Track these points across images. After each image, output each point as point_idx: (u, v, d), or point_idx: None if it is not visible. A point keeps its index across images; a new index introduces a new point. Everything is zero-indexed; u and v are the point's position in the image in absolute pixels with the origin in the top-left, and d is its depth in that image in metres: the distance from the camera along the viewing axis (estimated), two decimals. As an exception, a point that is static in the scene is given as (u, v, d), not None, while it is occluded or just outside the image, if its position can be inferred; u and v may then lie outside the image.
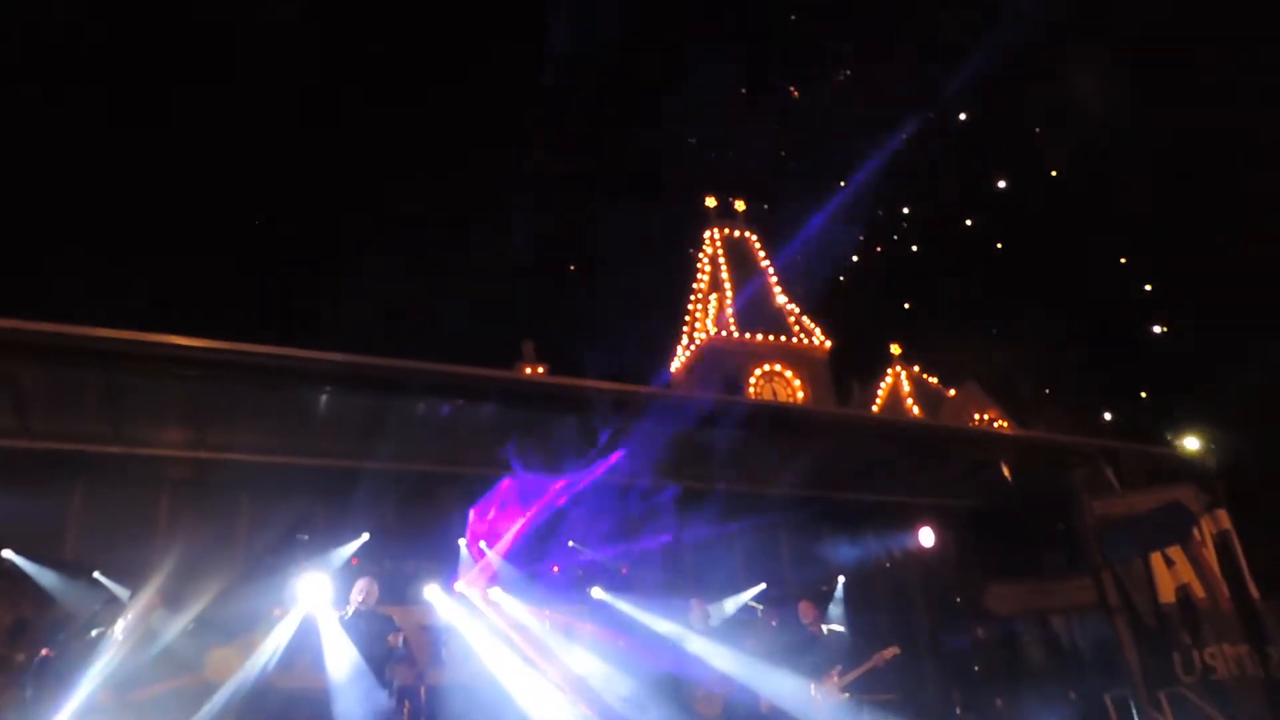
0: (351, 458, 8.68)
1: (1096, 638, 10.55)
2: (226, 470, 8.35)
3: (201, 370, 6.91)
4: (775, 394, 28.18)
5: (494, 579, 9.56)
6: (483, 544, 9.46)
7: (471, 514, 9.32)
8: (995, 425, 27.27)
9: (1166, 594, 8.70)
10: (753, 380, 28.32)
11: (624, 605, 9.66)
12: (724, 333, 28.87)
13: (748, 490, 10.62)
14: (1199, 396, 20.86)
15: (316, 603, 7.42)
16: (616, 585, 10.02)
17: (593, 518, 9.84)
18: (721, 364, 28.41)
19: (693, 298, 30.82)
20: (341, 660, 6.90)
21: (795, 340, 29.59)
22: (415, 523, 9.64)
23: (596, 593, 9.94)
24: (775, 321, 29.74)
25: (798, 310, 30.39)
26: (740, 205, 31.90)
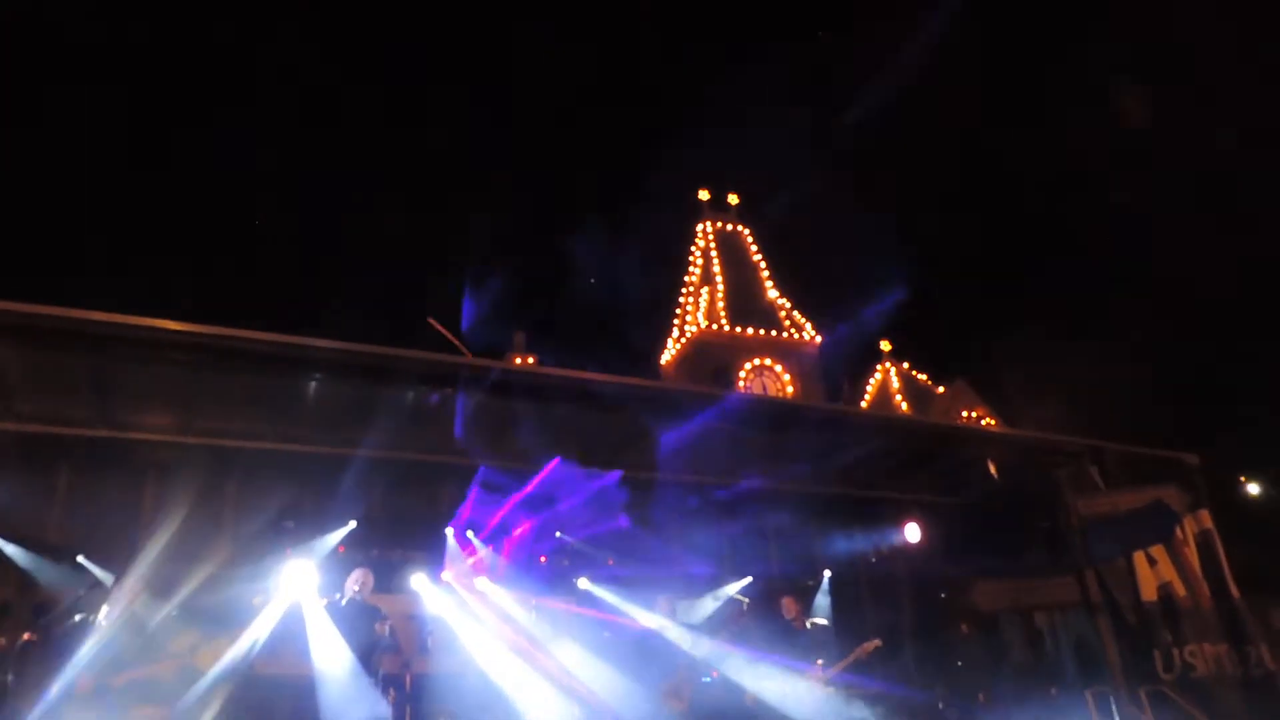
0: (340, 445, 8.67)
1: (1078, 634, 10.64)
2: (213, 456, 8.31)
3: (190, 355, 6.89)
4: (765, 388, 28.23)
5: (481, 568, 9.56)
6: (470, 534, 9.45)
7: (460, 503, 9.31)
8: (983, 423, 27.39)
9: (1148, 592, 8.79)
10: (743, 374, 28.34)
11: (609, 596, 9.68)
12: (715, 326, 28.89)
13: (735, 484, 10.66)
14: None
15: (302, 590, 7.40)
16: (602, 576, 10.05)
17: (580, 509, 9.85)
18: (712, 357, 28.45)
19: (684, 290, 30.81)
20: (327, 648, 6.89)
21: (786, 335, 29.63)
22: (403, 511, 9.63)
23: (583, 583, 9.96)
24: (766, 316, 29.76)
25: (789, 305, 30.41)
26: (733, 199, 31.87)
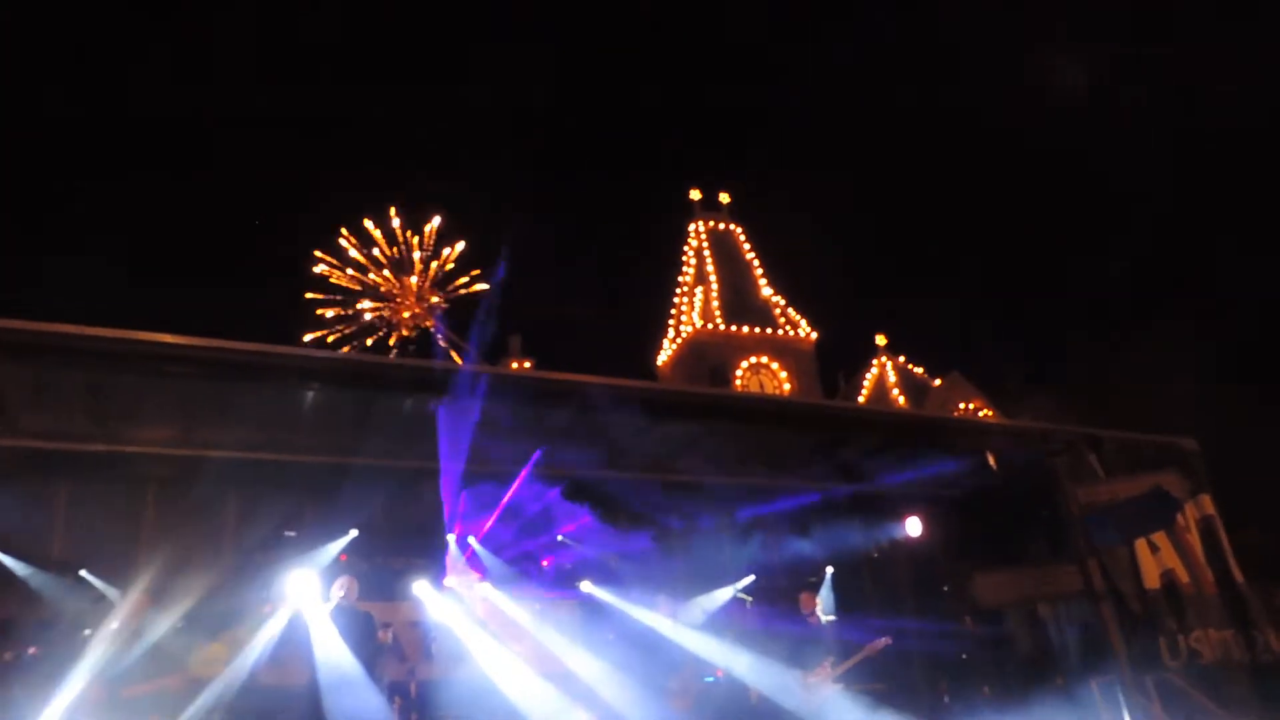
0: (338, 454, 8.66)
1: (1082, 624, 10.65)
2: (213, 467, 8.30)
3: (187, 367, 6.87)
4: (762, 386, 28.29)
5: (483, 574, 9.56)
6: (471, 539, 9.45)
7: (460, 510, 9.31)
8: (980, 414, 27.46)
9: (1151, 580, 8.80)
10: (739, 372, 28.40)
11: (612, 598, 9.68)
12: (710, 325, 28.91)
13: (736, 483, 10.67)
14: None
15: (305, 600, 7.39)
16: (605, 579, 10.04)
17: (581, 512, 9.86)
18: (707, 357, 28.48)
19: (678, 291, 30.83)
20: (331, 657, 6.88)
21: (781, 332, 29.66)
22: (403, 519, 9.62)
23: (585, 586, 9.96)
24: (761, 314, 29.81)
25: (783, 302, 30.45)
26: (725, 198, 31.90)
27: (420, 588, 8.95)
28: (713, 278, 29.64)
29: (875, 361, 30.75)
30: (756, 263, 30.76)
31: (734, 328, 28.78)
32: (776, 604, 10.20)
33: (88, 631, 6.48)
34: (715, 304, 29.11)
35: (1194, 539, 8.91)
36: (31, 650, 6.63)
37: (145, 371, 6.81)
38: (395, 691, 7.49)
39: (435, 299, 26.19)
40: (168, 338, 6.54)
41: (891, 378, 30.14)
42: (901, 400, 29.05)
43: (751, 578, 10.71)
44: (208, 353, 6.78)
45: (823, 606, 10.24)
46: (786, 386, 28.25)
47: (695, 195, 31.41)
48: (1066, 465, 9.87)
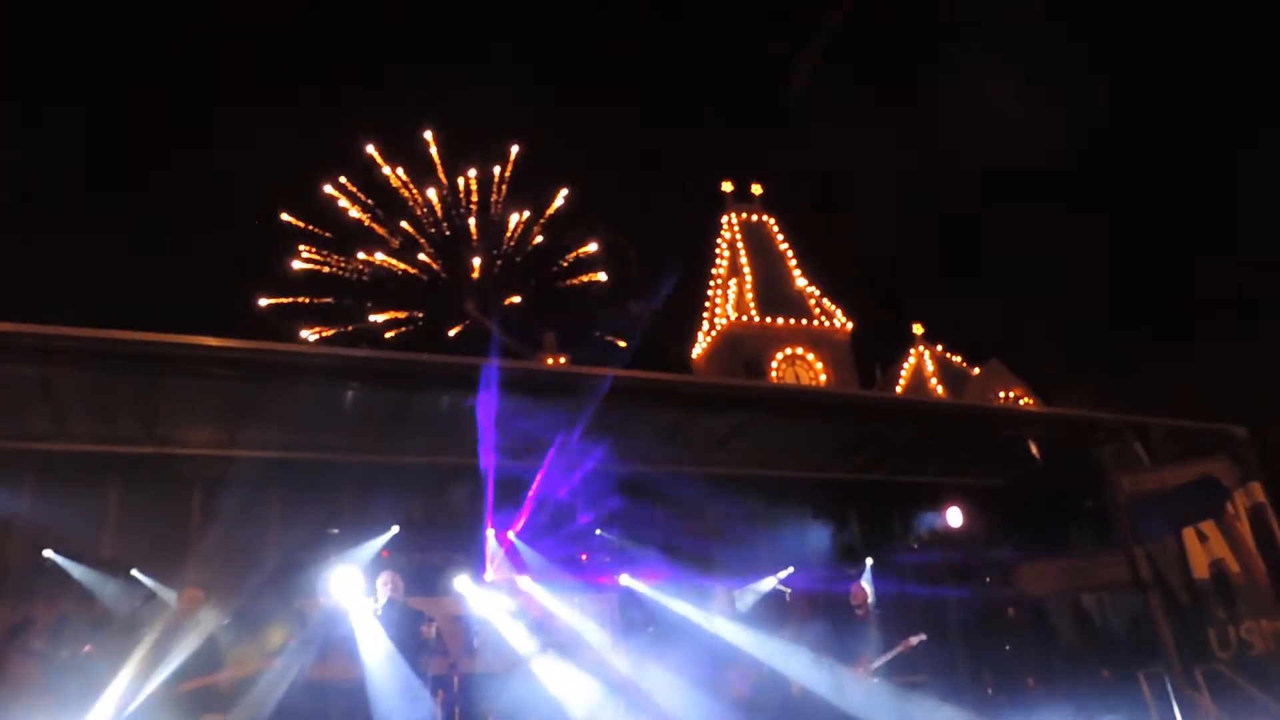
0: (378, 452, 8.79)
1: (1129, 615, 10.49)
2: (257, 468, 8.45)
3: (230, 370, 7.01)
4: (797, 377, 28.12)
5: (522, 568, 9.63)
6: (511, 534, 9.52)
7: (498, 504, 9.38)
8: (1021, 402, 27.06)
9: (1200, 569, 8.63)
10: (774, 364, 28.25)
11: (652, 592, 9.70)
12: (744, 317, 28.79)
13: (774, 474, 10.63)
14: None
15: (348, 595, 7.50)
16: (644, 571, 10.06)
17: (620, 505, 9.89)
18: (743, 349, 28.37)
19: (712, 283, 30.72)
20: (375, 652, 6.98)
21: (816, 323, 29.45)
22: (443, 514, 9.73)
23: (625, 579, 9.99)
24: (796, 305, 29.61)
25: (818, 292, 30.20)
26: (757, 189, 31.71)
27: (461, 582, 9.04)
28: (746, 269, 29.50)
29: (913, 351, 30.40)
30: (790, 253, 30.56)
31: (768, 319, 28.62)
32: (816, 596, 10.16)
33: (140, 630, 6.64)
34: (749, 296, 28.97)
35: (1244, 527, 8.71)
36: (87, 648, 6.79)
37: (190, 374, 6.96)
38: (438, 686, 7.57)
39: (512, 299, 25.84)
40: (209, 340, 6.68)
41: (929, 367, 29.79)
42: (940, 390, 28.72)
43: (791, 569, 10.67)
44: (249, 355, 6.92)
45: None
46: (823, 378, 28.05)
47: (727, 187, 31.28)
48: (1112, 454, 9.70)
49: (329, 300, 26.29)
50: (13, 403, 7.26)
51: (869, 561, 11.10)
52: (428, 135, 27.71)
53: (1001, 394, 28.14)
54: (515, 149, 28.16)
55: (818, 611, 9.68)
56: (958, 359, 30.64)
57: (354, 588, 7.58)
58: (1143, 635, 9.35)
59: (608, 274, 28.77)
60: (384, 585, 7.29)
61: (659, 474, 9.61)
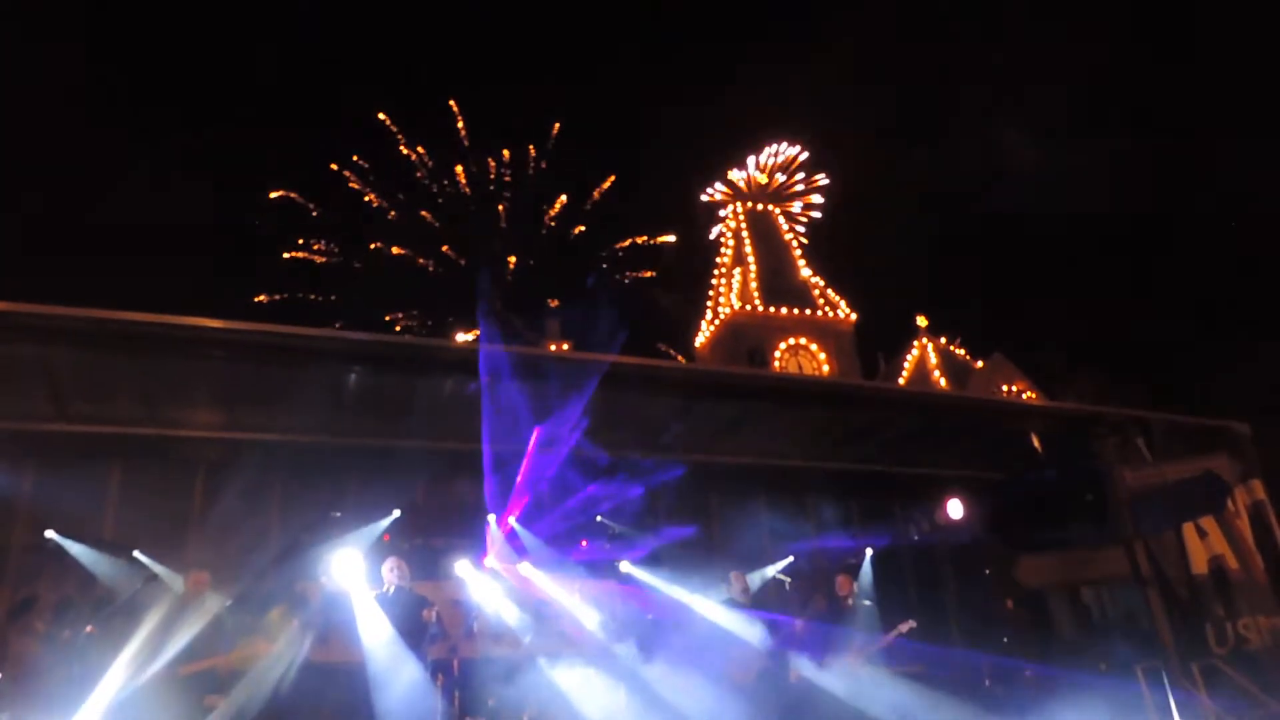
0: (381, 436, 8.80)
1: (1127, 609, 10.49)
2: (260, 450, 8.48)
3: (233, 352, 7.02)
4: (800, 367, 28.10)
5: (523, 553, 9.65)
6: (512, 519, 9.54)
7: (499, 490, 9.40)
8: (1024, 396, 27.05)
9: (1199, 565, 8.64)
10: (778, 354, 28.22)
11: (652, 578, 9.72)
12: (748, 307, 28.75)
13: (775, 463, 10.64)
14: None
15: (350, 579, 7.53)
16: (645, 559, 10.08)
17: (621, 492, 9.90)
18: (746, 338, 28.35)
19: (716, 273, 30.68)
20: (376, 635, 7.01)
21: (820, 313, 29.41)
22: (445, 499, 9.75)
23: (625, 566, 10.01)
24: (800, 295, 29.57)
25: (822, 283, 30.16)
26: (763, 179, 31.62)
27: (461, 567, 9.06)
28: (751, 259, 29.45)
29: (916, 343, 30.36)
30: (795, 243, 30.50)
31: (772, 309, 28.59)
32: (815, 584, 10.19)
33: (142, 611, 6.66)
34: (754, 285, 28.93)
35: (1244, 524, 8.72)
36: (88, 629, 6.82)
37: (193, 356, 6.96)
38: (438, 669, 7.60)
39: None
40: (213, 322, 6.68)
41: (933, 359, 29.75)
42: (943, 382, 28.69)
43: (790, 559, 10.69)
44: (252, 337, 6.92)
45: (860, 589, 10.22)
46: (825, 368, 28.04)
47: (733, 176, 31.21)
48: (1114, 448, 9.70)
49: (334, 298, 26.29)
50: (14, 383, 7.27)
51: (869, 551, 11.11)
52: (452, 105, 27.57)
53: (1005, 387, 28.11)
54: (556, 126, 28.06)
55: (816, 600, 9.71)
56: (961, 352, 30.61)
57: (356, 571, 7.61)
58: (1140, 629, 9.37)
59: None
60: (390, 571, 7.31)
61: (660, 461, 9.62)
